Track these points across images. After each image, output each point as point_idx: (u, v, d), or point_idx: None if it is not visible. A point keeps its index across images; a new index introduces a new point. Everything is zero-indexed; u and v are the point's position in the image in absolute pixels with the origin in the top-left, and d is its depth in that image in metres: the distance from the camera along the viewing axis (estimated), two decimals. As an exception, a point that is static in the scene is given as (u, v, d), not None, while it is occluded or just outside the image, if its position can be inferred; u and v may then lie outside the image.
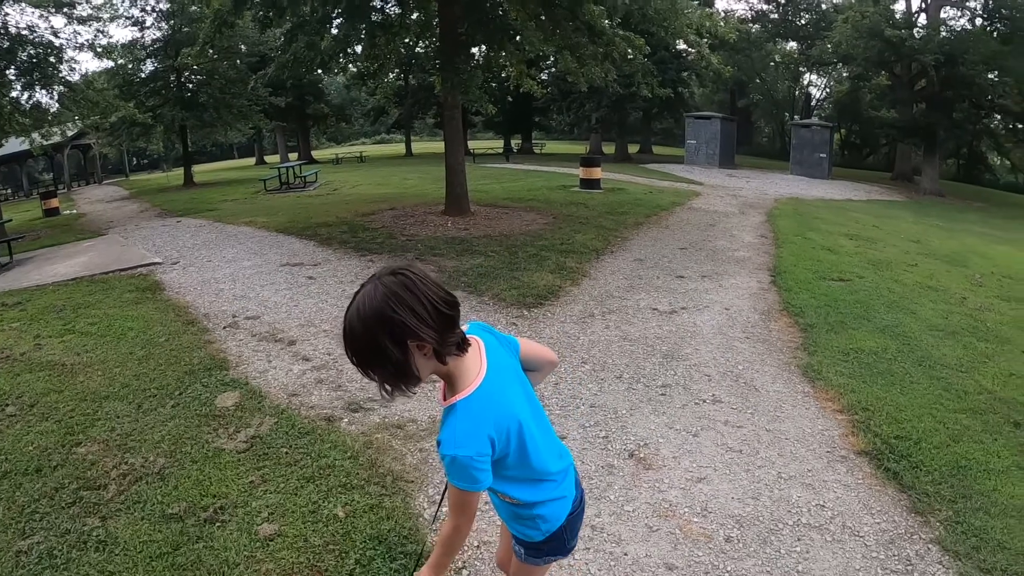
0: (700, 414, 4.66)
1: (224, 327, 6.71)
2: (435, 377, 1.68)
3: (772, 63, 47.18)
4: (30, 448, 4.38)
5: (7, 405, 5.13)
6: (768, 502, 3.66)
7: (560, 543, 1.98)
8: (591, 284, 8.12)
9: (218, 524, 3.39)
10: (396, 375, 1.58)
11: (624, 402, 4.82)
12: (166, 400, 4.96)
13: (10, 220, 15.36)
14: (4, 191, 40.19)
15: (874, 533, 3.43)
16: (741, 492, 3.74)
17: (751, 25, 35.62)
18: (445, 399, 1.71)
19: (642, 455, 4.07)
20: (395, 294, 1.55)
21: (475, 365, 1.71)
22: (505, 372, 1.79)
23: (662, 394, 4.97)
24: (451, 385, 1.70)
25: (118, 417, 4.72)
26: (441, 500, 2.30)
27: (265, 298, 7.67)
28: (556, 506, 1.92)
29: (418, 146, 52.08)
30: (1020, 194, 37.67)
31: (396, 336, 1.53)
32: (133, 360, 5.83)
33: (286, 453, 4.05)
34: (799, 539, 3.35)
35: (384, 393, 1.63)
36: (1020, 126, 26.79)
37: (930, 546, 3.34)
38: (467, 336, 1.71)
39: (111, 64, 25.63)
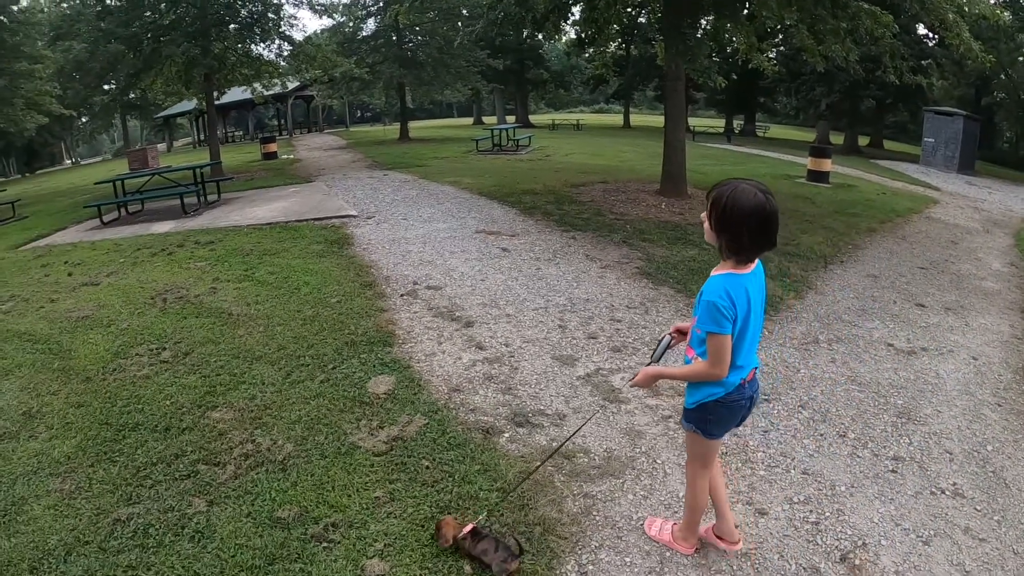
0: (936, 511, 3.51)
1: (402, 295, 6.49)
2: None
3: (1022, 57, 40.24)
4: (167, 403, 4.34)
5: (164, 349, 5.22)
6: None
7: (703, 415, 2.70)
8: (817, 300, 7.02)
9: (324, 545, 3.00)
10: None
11: (845, 474, 3.80)
12: (316, 373, 4.73)
13: (218, 162, 16.96)
14: (235, 134, 45.76)
15: None
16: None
17: (1003, 12, 30.50)
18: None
19: (857, 561, 3.06)
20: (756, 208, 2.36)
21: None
22: (756, 289, 2.56)
23: (892, 471, 3.87)
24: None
25: (263, 384, 4.56)
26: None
27: (452, 267, 7.40)
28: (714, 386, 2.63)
29: (636, 118, 51.94)
30: None
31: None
32: (298, 320, 5.75)
33: (427, 468, 3.58)
34: None
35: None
36: None
37: None
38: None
39: (332, 22, 29.04)
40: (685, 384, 2.79)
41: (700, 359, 2.58)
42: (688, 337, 2.71)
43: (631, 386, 2.76)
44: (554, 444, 3.89)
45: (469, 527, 2.89)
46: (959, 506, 3.57)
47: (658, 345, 2.82)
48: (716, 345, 2.46)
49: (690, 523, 3.03)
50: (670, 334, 2.86)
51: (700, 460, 2.88)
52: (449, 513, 3.17)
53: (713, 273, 2.56)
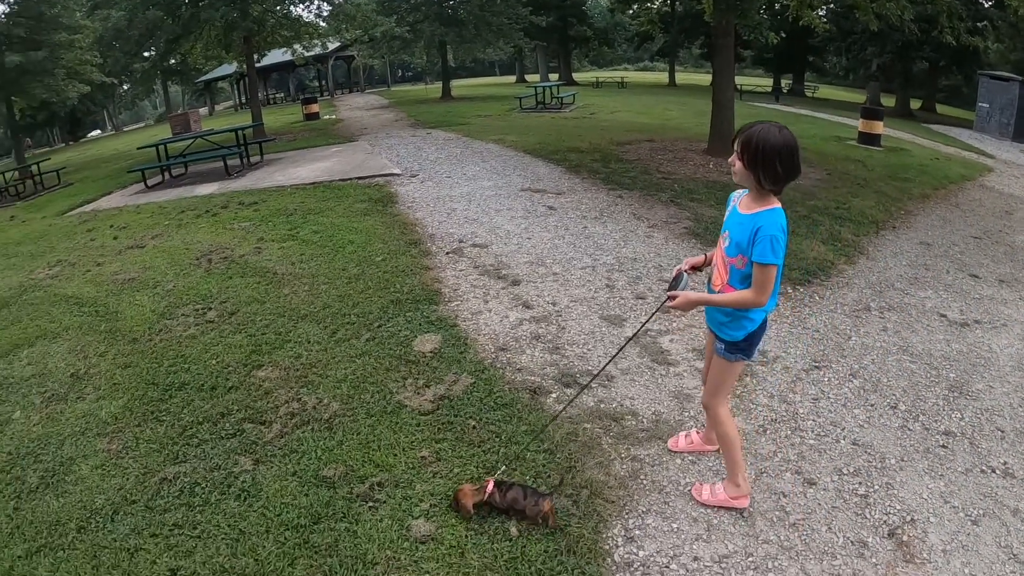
0: (986, 490, 3.36)
1: (447, 253, 6.43)
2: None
3: (1080, 18, 38.00)
4: (213, 362, 4.36)
5: (210, 309, 5.25)
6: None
7: (750, 343, 2.90)
8: (869, 266, 6.77)
9: (370, 504, 2.98)
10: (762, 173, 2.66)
11: (895, 447, 3.65)
12: (362, 331, 4.71)
13: (260, 124, 16.94)
14: (276, 96, 46.36)
15: None
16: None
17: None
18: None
19: (905, 537, 2.95)
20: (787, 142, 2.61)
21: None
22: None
23: (943, 446, 3.71)
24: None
25: (308, 342, 4.56)
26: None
27: (497, 225, 7.31)
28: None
29: (682, 76, 50.91)
30: None
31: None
32: (343, 278, 5.73)
33: (473, 428, 3.54)
34: None
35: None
36: None
37: None
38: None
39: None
40: (719, 323, 2.95)
41: (745, 290, 2.75)
42: (725, 275, 2.83)
43: (670, 307, 2.84)
44: (602, 406, 3.82)
45: (490, 484, 2.87)
46: (1009, 486, 3.42)
47: (678, 282, 2.90)
48: (768, 274, 2.64)
49: (735, 468, 3.08)
50: (685, 271, 2.97)
51: (729, 386, 3.12)
52: (489, 475, 3.10)
53: (746, 212, 2.75)
